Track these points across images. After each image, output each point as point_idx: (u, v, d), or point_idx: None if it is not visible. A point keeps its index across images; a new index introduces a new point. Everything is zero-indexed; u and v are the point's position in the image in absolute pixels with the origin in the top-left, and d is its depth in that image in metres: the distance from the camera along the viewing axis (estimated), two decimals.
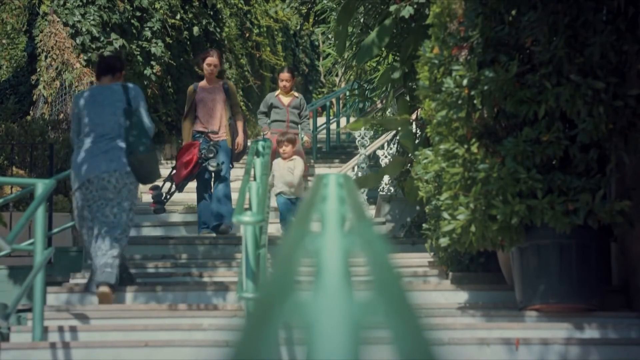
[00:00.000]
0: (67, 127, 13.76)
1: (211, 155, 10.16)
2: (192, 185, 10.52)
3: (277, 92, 11.75)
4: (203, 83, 10.70)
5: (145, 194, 12.57)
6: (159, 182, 10.30)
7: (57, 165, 11.96)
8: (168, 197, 10.46)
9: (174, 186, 10.42)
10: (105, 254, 7.49)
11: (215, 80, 10.66)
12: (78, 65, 15.32)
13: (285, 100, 11.57)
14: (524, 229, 6.39)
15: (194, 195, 10.67)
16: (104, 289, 7.44)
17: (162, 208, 10.39)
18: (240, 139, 10.46)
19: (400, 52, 8.70)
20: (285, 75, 11.71)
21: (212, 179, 10.37)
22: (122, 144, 7.72)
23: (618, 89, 6.33)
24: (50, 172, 10.73)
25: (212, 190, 10.36)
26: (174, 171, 10.38)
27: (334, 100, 21.82)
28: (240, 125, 10.54)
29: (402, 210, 10.40)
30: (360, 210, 2.46)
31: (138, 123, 7.79)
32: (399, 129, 8.94)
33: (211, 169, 10.15)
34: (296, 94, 11.92)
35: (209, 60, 10.58)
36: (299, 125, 11.66)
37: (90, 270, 7.81)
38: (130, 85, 8.02)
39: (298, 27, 24.92)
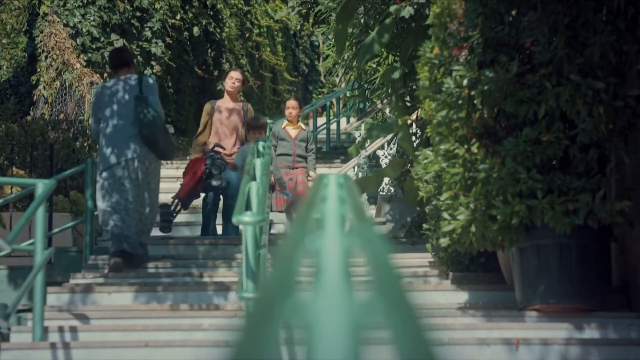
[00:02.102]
0: (67, 127, 13.77)
1: (216, 172, 10.00)
2: None
3: (284, 123, 11.11)
4: (222, 102, 10.54)
5: None
6: (168, 201, 10.29)
7: (57, 165, 11.96)
8: (175, 214, 10.33)
9: (180, 204, 10.32)
10: (130, 228, 8.43)
11: (236, 100, 10.55)
12: (78, 65, 15.33)
13: (293, 132, 10.93)
14: (524, 229, 6.39)
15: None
16: (117, 259, 8.33)
17: (167, 226, 10.14)
18: None
19: (400, 53, 8.70)
20: (291, 102, 11.12)
21: (221, 196, 10.25)
22: (138, 131, 8.56)
23: (618, 89, 6.33)
24: (51, 172, 10.73)
25: (219, 201, 10.25)
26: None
27: (334, 100, 21.83)
28: None
29: (402, 210, 10.40)
30: (360, 211, 2.46)
31: (149, 108, 8.57)
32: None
33: (214, 184, 9.99)
34: (303, 126, 11.34)
35: (233, 73, 10.48)
36: (306, 160, 10.99)
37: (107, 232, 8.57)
38: (145, 76, 9.00)
39: (298, 28, 24.91)
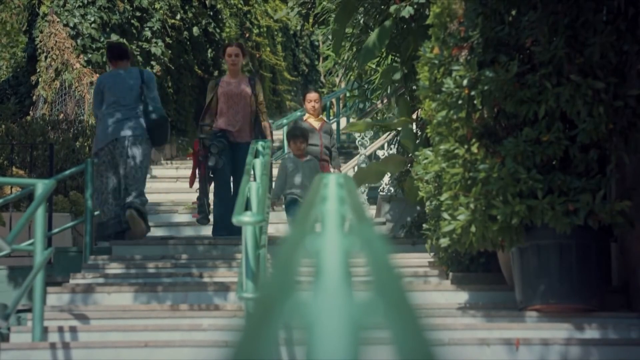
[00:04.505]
0: (67, 127, 13.77)
1: (214, 151, 9.74)
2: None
3: (305, 116, 10.62)
4: (227, 77, 10.16)
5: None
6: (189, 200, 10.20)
7: (57, 166, 11.96)
8: (207, 206, 9.98)
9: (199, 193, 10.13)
10: (130, 198, 9.36)
11: (241, 75, 10.12)
12: (78, 65, 15.32)
13: (316, 124, 10.38)
14: (524, 229, 6.38)
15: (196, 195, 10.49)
16: (132, 211, 9.32)
17: (205, 218, 9.98)
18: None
19: (400, 53, 8.69)
20: (313, 95, 10.54)
21: (232, 182, 9.90)
22: (139, 114, 9.47)
23: (618, 89, 6.33)
24: (50, 172, 10.72)
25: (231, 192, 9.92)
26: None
27: (334, 100, 21.83)
28: (266, 125, 9.99)
29: (402, 210, 10.38)
30: (360, 211, 2.46)
31: (150, 98, 9.51)
32: (400, 129, 8.94)
33: (210, 164, 9.72)
34: (325, 118, 10.67)
35: (229, 50, 10.02)
36: (331, 154, 10.49)
37: (100, 219, 9.56)
38: (145, 70, 10.14)
39: (298, 28, 24.90)
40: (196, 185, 10.03)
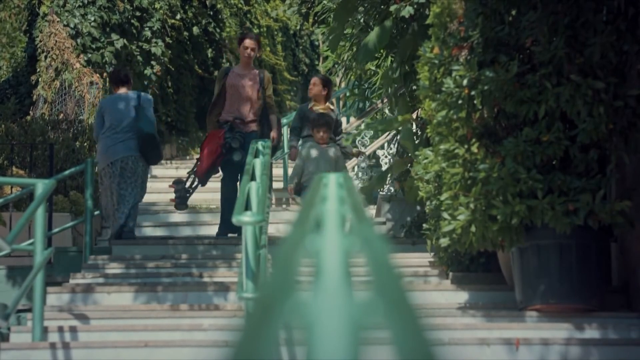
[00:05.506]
0: (67, 127, 13.76)
1: (236, 145, 9.72)
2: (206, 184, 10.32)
3: (311, 103, 10.34)
4: (237, 68, 10.23)
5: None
6: (183, 178, 10.22)
7: (57, 166, 11.95)
8: (191, 191, 10.13)
9: (197, 180, 10.11)
10: (122, 216, 9.71)
11: (251, 67, 10.15)
12: (78, 65, 15.31)
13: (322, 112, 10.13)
14: (524, 229, 6.38)
15: (200, 196, 10.42)
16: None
17: (184, 204, 10.12)
18: (275, 133, 9.88)
19: (400, 53, 8.69)
20: (313, 79, 10.41)
21: (239, 175, 9.74)
22: (135, 135, 9.76)
23: (618, 89, 6.34)
24: (50, 172, 10.72)
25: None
26: (198, 163, 10.04)
27: (334, 100, 21.82)
28: (274, 118, 9.98)
29: (402, 210, 10.38)
30: (360, 211, 2.46)
31: (144, 119, 9.77)
32: (400, 129, 8.94)
33: (236, 159, 9.68)
34: (332, 106, 10.61)
35: (247, 42, 10.00)
36: (337, 143, 10.16)
37: (111, 225, 9.97)
38: (143, 93, 10.28)
39: (298, 27, 24.89)
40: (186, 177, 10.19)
